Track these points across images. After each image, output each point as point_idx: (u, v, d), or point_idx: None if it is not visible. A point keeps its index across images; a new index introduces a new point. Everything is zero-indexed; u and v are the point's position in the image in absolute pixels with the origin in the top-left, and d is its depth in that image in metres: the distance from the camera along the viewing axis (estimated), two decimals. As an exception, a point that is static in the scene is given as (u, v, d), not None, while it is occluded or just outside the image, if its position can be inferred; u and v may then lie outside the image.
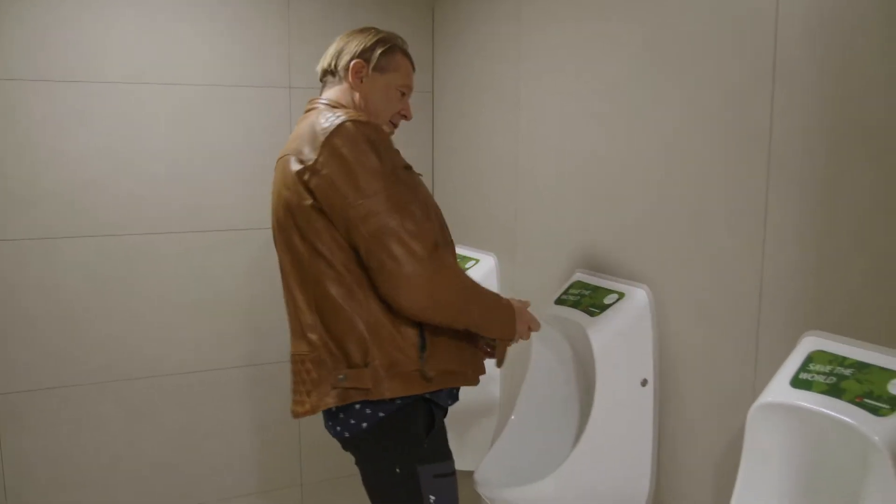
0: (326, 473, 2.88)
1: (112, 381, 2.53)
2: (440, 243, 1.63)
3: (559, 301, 1.99)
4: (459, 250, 2.65)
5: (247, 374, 2.72)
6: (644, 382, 1.82)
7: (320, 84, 1.82)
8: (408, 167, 1.69)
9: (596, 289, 1.93)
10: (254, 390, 2.74)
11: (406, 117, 1.82)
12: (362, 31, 1.80)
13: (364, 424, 1.62)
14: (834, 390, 1.28)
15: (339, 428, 1.67)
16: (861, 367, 1.28)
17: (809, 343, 1.40)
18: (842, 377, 1.28)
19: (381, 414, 1.61)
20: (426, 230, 1.57)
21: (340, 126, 1.56)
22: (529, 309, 1.81)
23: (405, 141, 2.42)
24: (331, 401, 1.60)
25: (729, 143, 1.56)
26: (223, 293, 2.66)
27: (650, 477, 1.85)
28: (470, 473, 1.92)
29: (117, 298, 2.52)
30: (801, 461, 1.36)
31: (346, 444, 1.72)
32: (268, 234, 1.87)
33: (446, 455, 1.71)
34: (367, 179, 1.53)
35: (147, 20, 2.46)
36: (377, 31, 1.80)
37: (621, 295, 1.85)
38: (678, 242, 1.71)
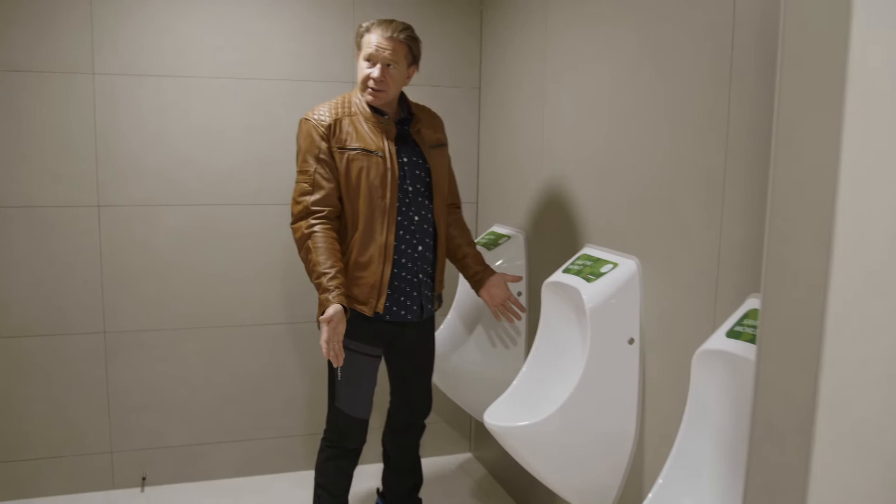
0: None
1: (195, 327, 3.01)
2: (313, 211, 2.28)
3: (566, 270, 2.32)
4: (498, 228, 3.00)
5: (305, 329, 3.15)
6: (631, 341, 2.13)
7: None
8: (346, 148, 2.29)
9: (597, 260, 2.24)
10: (311, 343, 3.17)
11: (372, 80, 2.30)
12: None
13: None
14: (755, 339, 1.57)
15: None
16: (779, 321, 1.57)
17: (750, 303, 1.69)
18: (764, 329, 1.58)
19: None
20: (299, 200, 2.30)
21: (300, 120, 2.37)
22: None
23: (456, 131, 2.79)
24: None
25: (695, 137, 1.85)
26: (288, 259, 3.09)
27: (636, 420, 2.16)
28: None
29: (201, 259, 2.99)
30: (731, 394, 1.66)
31: None
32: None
33: (356, 338, 2.36)
34: (299, 157, 2.35)
35: (232, 25, 2.91)
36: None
37: (615, 265, 2.16)
38: (659, 221, 2.02)
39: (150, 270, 2.93)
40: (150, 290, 2.95)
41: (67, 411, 2.92)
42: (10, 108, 2.73)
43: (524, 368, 2.38)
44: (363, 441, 2.49)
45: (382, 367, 2.58)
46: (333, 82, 3.03)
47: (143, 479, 3.01)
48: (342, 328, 2.22)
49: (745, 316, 1.65)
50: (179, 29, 2.85)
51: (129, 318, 2.94)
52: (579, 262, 2.30)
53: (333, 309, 2.19)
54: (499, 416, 2.28)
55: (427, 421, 2.69)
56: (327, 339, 2.20)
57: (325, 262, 2.23)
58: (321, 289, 2.22)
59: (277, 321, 3.11)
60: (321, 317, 2.20)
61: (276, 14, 2.96)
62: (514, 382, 2.37)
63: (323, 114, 2.33)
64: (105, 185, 2.84)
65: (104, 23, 2.77)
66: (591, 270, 2.21)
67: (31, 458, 2.90)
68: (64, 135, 2.78)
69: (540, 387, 2.35)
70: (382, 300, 2.35)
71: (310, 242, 2.26)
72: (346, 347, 2.35)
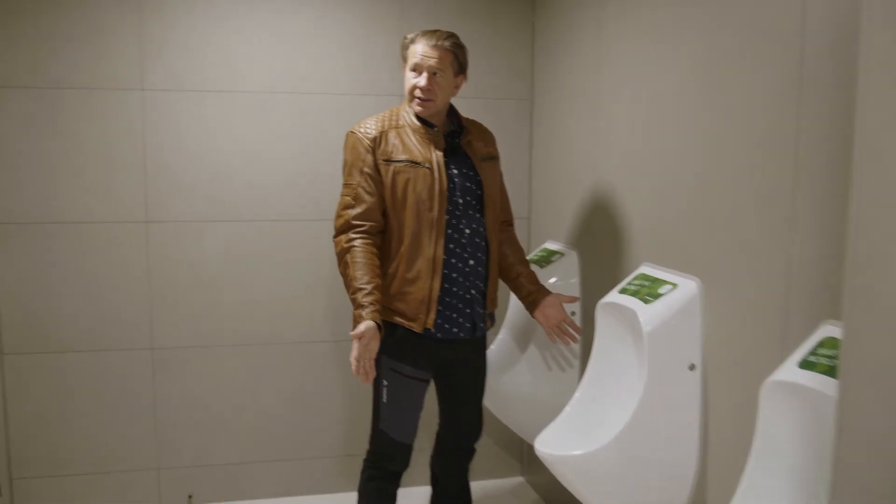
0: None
1: (241, 344, 2.98)
2: (354, 225, 2.24)
3: (622, 290, 2.20)
4: (550, 245, 2.89)
5: (350, 346, 3.07)
6: (692, 367, 1.99)
7: None
8: (392, 160, 2.25)
9: (654, 280, 2.11)
10: (360, 362, 3.11)
11: (419, 89, 2.27)
12: None
13: None
14: (832, 371, 1.43)
15: None
16: (859, 351, 1.42)
17: (824, 330, 1.54)
18: (841, 360, 1.43)
19: None
20: (342, 213, 2.27)
21: (347, 133, 2.35)
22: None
23: (506, 144, 2.72)
24: None
25: (762, 149, 1.72)
26: (335, 275, 3.02)
27: (698, 452, 2.02)
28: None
29: (248, 275, 2.96)
30: (806, 430, 1.51)
31: None
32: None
33: (403, 360, 2.31)
34: (344, 170, 2.34)
35: (280, 40, 2.89)
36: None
37: (674, 286, 2.03)
38: (722, 239, 1.88)
39: (196, 286, 2.92)
40: (197, 306, 2.93)
41: (114, 427, 2.91)
42: (59, 124, 2.76)
43: (577, 394, 2.26)
44: (406, 465, 2.42)
45: (431, 388, 2.49)
46: (383, 95, 2.98)
47: (190, 497, 2.99)
48: (374, 346, 2.15)
49: (820, 344, 1.51)
50: (227, 44, 2.84)
51: (176, 334, 2.92)
52: (636, 281, 2.18)
53: (365, 325, 2.12)
54: (551, 444, 2.16)
55: (477, 444, 2.59)
56: (357, 356, 2.14)
57: (362, 277, 2.17)
58: (356, 304, 2.17)
59: (323, 339, 3.06)
60: (352, 332, 2.13)
61: (324, 28, 2.93)
62: (567, 408, 2.25)
63: (369, 127, 2.30)
64: (153, 201, 2.84)
65: (153, 39, 2.78)
66: (648, 291, 2.08)
67: (77, 474, 2.91)
68: (112, 151, 2.80)
69: (594, 413, 2.23)
70: (432, 316, 2.27)
71: (348, 257, 2.22)
72: (392, 370, 2.30)
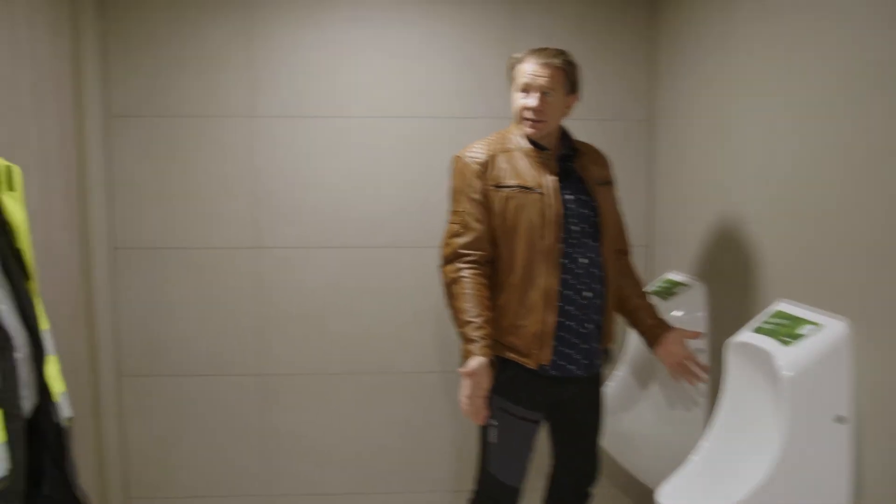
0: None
1: (349, 372, 2.95)
2: (461, 254, 2.14)
3: (757, 329, 1.98)
4: (673, 276, 2.69)
5: (459, 378, 2.98)
6: (840, 419, 1.75)
7: None
8: (502, 185, 2.13)
9: (794, 318, 1.89)
10: (469, 394, 3.00)
11: (529, 110, 2.15)
12: None
13: None
14: None
15: None
16: None
17: None
18: None
19: None
20: (449, 242, 2.17)
21: (453, 158, 2.25)
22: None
23: (623, 167, 2.60)
24: None
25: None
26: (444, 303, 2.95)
27: (847, 518, 1.77)
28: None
29: (356, 302, 2.93)
30: None
31: None
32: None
33: (514, 399, 2.17)
34: (451, 197, 2.23)
35: (387, 63, 2.87)
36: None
37: (818, 326, 1.79)
38: (877, 274, 1.64)
39: (303, 314, 2.92)
40: (305, 333, 2.93)
41: (225, 452, 2.95)
42: (175, 152, 2.84)
43: (706, 442, 2.05)
44: None
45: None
46: (497, 118, 2.87)
47: (297, 526, 2.97)
48: (486, 383, 2.04)
49: None
50: (335, 69, 2.85)
51: (285, 361, 2.93)
52: (772, 319, 1.95)
53: (477, 362, 2.01)
54: (676, 497, 1.97)
55: (593, 488, 2.42)
56: (469, 395, 2.03)
57: (472, 310, 2.06)
58: (465, 339, 2.06)
59: (432, 369, 2.98)
60: (461, 369, 2.02)
61: (434, 49, 2.88)
62: (694, 457, 2.05)
63: (477, 151, 2.20)
64: (263, 227, 2.87)
65: (261, 66, 2.83)
66: (787, 331, 1.86)
67: (189, 496, 2.96)
68: (223, 178, 2.86)
69: (724, 465, 2.01)
70: (547, 351, 2.14)
71: (456, 288, 2.11)
72: (502, 410, 2.17)
